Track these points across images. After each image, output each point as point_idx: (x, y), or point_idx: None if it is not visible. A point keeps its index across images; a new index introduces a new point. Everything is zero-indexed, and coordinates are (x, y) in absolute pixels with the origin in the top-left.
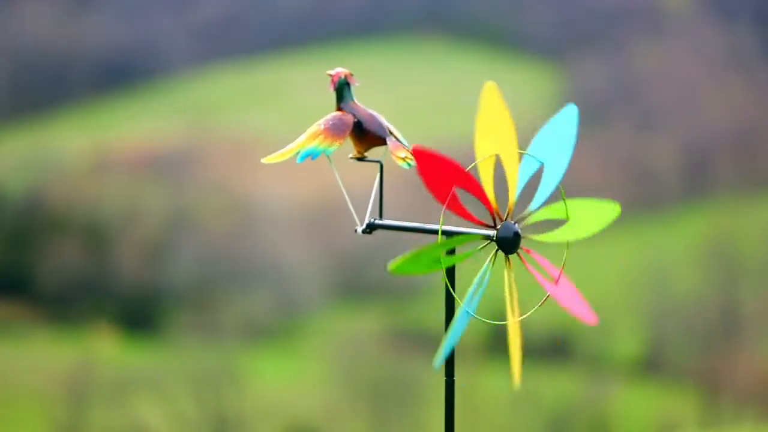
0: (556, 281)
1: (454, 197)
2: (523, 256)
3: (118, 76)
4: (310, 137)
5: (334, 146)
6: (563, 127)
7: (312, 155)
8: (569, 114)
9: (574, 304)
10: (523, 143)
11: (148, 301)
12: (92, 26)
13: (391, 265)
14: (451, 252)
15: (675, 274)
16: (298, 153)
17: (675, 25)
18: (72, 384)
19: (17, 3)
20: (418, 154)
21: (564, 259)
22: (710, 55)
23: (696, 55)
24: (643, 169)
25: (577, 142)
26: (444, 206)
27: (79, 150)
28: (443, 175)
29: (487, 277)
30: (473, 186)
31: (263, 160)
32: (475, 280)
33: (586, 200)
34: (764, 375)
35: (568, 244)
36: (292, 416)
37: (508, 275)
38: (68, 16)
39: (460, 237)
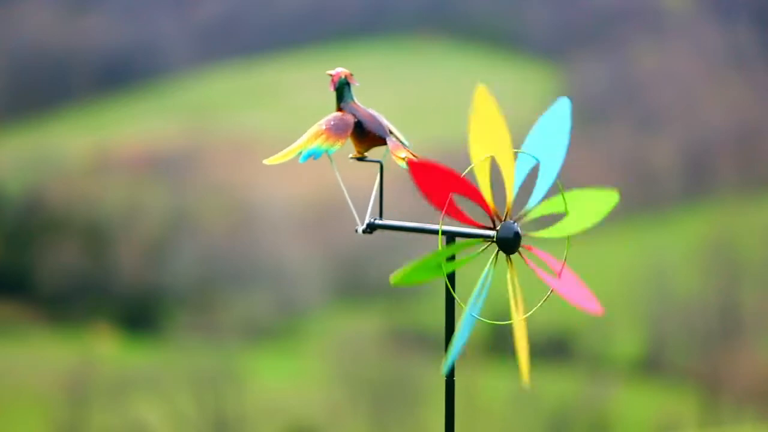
0: (559, 275)
1: (452, 204)
2: (524, 254)
3: (118, 76)
4: (311, 137)
5: (336, 146)
6: (557, 121)
7: (314, 155)
8: (562, 108)
9: (579, 296)
10: (522, 143)
11: (148, 301)
12: (92, 26)
13: (393, 277)
14: (452, 258)
15: (675, 274)
16: (300, 153)
17: (675, 25)
18: (72, 384)
19: (17, 3)
20: (412, 165)
21: (566, 253)
22: (710, 55)
23: (696, 55)
24: (643, 169)
25: (571, 136)
26: (442, 213)
27: (79, 150)
28: (439, 183)
29: (489, 278)
30: (470, 191)
31: (265, 161)
32: (479, 282)
33: (583, 191)
34: (764, 375)
35: (569, 238)
36: (292, 416)
37: (511, 275)
38: (68, 16)
39: (460, 244)
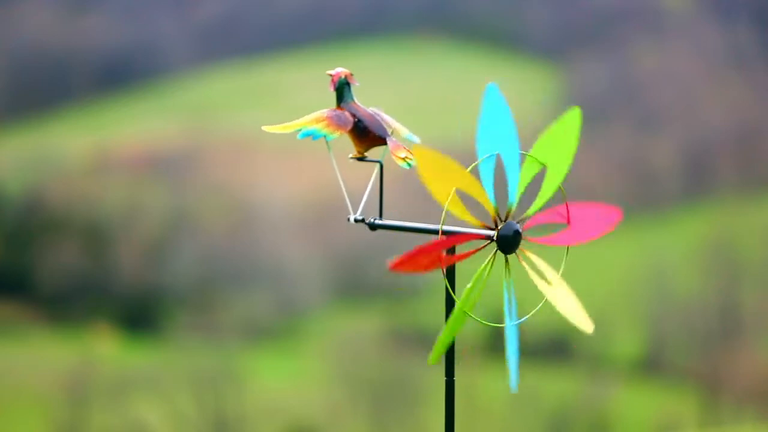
0: (568, 220)
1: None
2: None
3: (118, 76)
4: (314, 120)
5: (336, 134)
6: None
7: (313, 135)
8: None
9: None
10: (524, 143)
11: (148, 301)
12: (92, 26)
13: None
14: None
15: (675, 274)
16: (300, 130)
17: (675, 25)
18: (72, 384)
19: (17, 3)
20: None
21: (563, 263)
22: (710, 55)
23: (696, 55)
24: (643, 169)
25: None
26: (445, 207)
27: (79, 150)
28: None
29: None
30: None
31: (264, 128)
32: (504, 294)
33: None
34: (764, 375)
35: (567, 249)
36: (292, 416)
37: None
38: (68, 16)
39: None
